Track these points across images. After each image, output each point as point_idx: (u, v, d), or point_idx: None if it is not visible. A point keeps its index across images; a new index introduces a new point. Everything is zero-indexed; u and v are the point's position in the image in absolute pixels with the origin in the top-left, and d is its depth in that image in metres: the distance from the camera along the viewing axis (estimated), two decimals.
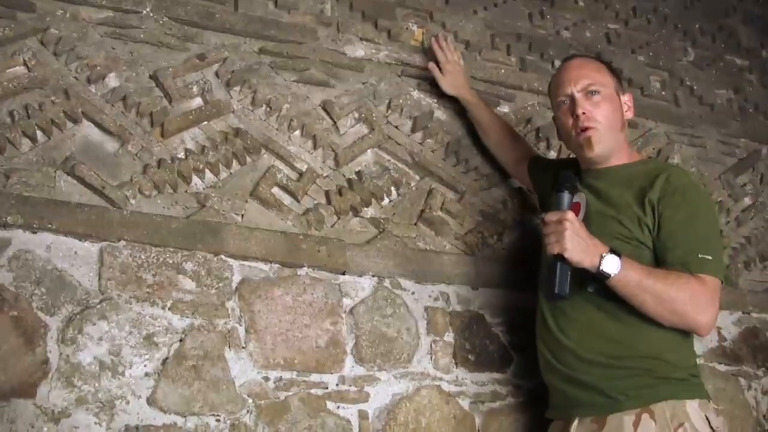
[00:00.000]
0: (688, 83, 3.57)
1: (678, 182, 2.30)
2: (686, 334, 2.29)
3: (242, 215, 2.57)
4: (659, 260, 2.26)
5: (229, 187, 2.59)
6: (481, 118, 2.91)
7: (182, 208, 2.51)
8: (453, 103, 3.00)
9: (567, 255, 2.15)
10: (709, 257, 2.21)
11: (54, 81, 2.48)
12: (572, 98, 2.44)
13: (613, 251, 2.15)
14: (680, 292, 2.16)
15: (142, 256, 2.41)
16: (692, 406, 2.18)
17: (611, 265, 2.14)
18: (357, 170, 2.79)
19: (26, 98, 2.43)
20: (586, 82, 2.44)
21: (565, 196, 2.27)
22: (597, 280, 2.19)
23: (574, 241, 2.15)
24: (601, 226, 2.31)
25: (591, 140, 2.40)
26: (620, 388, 2.23)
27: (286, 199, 2.66)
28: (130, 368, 2.30)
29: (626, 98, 2.53)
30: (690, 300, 2.17)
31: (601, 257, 2.14)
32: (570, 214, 2.19)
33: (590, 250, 2.15)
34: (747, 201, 3.50)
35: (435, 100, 2.99)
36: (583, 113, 2.40)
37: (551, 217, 2.22)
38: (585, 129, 2.40)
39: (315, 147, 2.75)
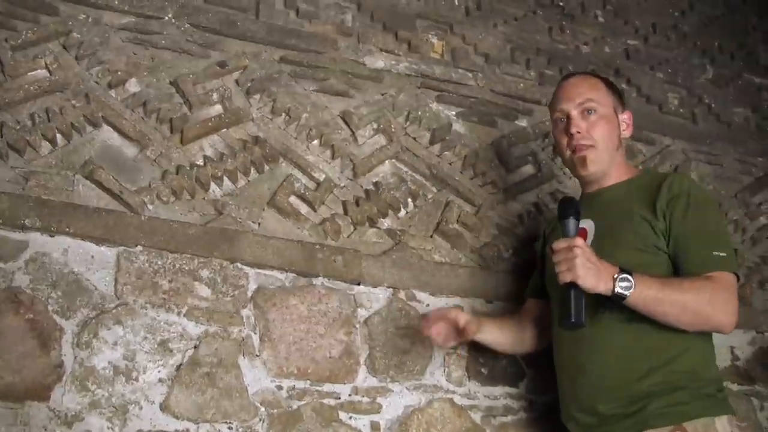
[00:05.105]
0: (706, 101, 3.56)
1: (681, 187, 2.30)
2: (710, 344, 2.28)
3: (259, 223, 2.58)
4: (675, 263, 2.26)
5: (247, 195, 2.60)
6: (502, 327, 2.63)
7: (199, 214, 2.52)
8: (472, 116, 3.00)
9: (580, 282, 2.08)
10: (724, 254, 2.22)
11: (75, 85, 2.49)
12: (568, 116, 2.43)
13: (623, 270, 2.12)
14: (698, 296, 2.15)
15: (159, 262, 2.42)
16: (722, 423, 2.15)
17: (625, 285, 2.10)
18: (374, 181, 2.79)
19: (47, 101, 2.44)
20: (581, 100, 2.42)
21: (571, 222, 2.21)
22: (614, 302, 2.16)
23: (586, 267, 2.08)
24: (614, 243, 2.29)
25: (586, 159, 2.40)
26: (652, 405, 2.17)
27: (303, 209, 2.66)
28: (144, 374, 2.30)
29: (625, 116, 2.51)
30: (710, 302, 2.15)
31: (614, 279, 2.10)
32: (579, 240, 2.14)
33: (602, 274, 2.10)
34: (763, 220, 3.47)
35: (453, 113, 3.00)
36: (578, 132, 2.40)
37: (560, 244, 2.15)
38: (580, 148, 2.40)
39: (333, 157, 2.76)
